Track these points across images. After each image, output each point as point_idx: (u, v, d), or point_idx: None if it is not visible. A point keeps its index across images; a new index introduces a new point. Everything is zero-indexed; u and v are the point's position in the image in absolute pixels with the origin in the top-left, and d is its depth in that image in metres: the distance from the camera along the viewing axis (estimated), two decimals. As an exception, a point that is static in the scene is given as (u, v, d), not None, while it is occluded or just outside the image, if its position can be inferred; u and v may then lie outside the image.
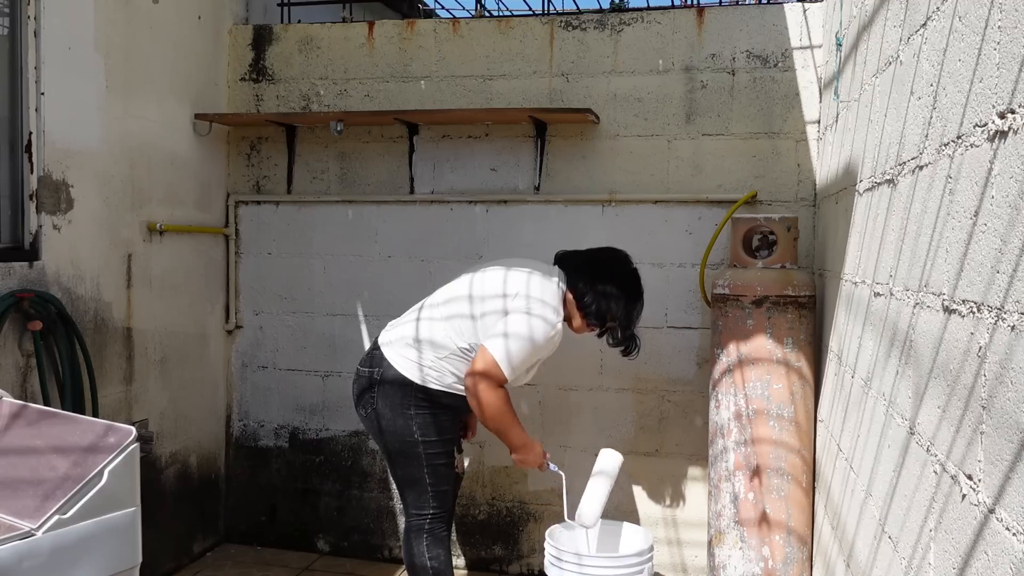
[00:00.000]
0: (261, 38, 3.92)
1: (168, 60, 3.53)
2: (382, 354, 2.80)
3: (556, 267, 2.91)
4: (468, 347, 2.72)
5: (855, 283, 2.34)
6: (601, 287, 2.83)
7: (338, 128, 3.57)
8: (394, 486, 3.82)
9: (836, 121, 2.91)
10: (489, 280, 2.81)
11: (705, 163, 3.50)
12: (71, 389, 2.91)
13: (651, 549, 3.15)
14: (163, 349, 3.55)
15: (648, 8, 3.61)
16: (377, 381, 2.78)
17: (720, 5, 3.92)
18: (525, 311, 2.67)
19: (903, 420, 1.71)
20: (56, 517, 1.76)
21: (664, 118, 3.52)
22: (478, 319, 2.73)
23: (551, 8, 4.02)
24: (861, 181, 2.33)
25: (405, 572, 2.97)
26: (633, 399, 3.59)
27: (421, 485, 2.79)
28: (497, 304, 2.71)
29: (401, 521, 3.83)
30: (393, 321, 2.96)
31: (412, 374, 2.73)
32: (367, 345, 3.81)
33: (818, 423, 2.95)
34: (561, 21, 3.62)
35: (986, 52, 1.28)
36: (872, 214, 2.14)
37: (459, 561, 3.79)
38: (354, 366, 3.78)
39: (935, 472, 1.46)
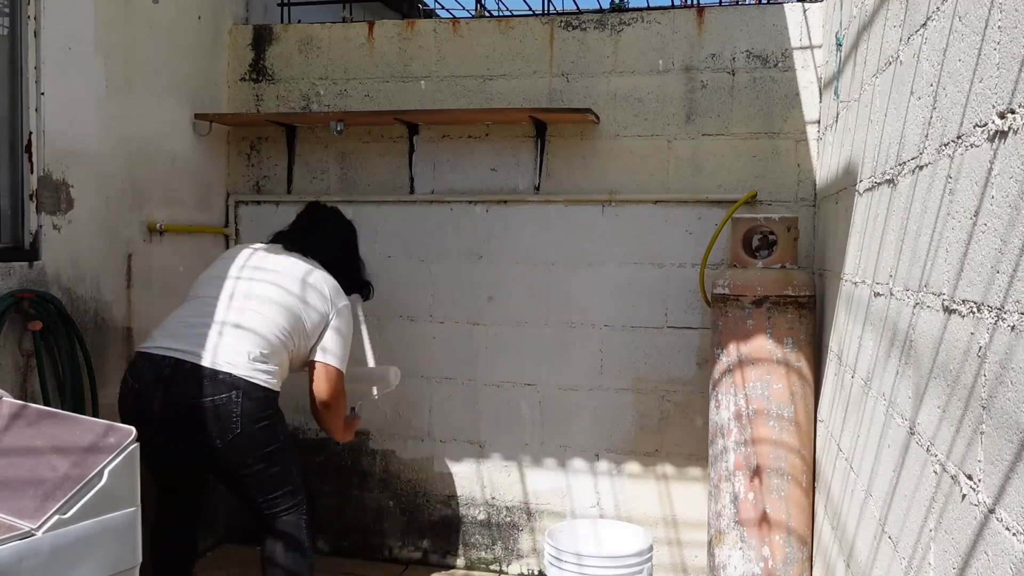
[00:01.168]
0: (261, 38, 3.92)
1: (168, 60, 3.53)
2: (231, 375, 2.59)
3: (305, 257, 2.95)
4: (295, 346, 2.81)
5: (855, 283, 2.34)
6: (350, 256, 3.13)
7: (338, 128, 3.57)
8: (396, 489, 3.83)
9: (836, 121, 2.91)
10: (290, 284, 2.83)
11: (705, 163, 3.50)
12: (71, 389, 2.91)
13: (651, 549, 3.15)
14: (163, 349, 3.54)
15: (648, 8, 3.61)
16: (237, 404, 2.58)
17: (720, 5, 3.92)
18: (339, 317, 2.89)
19: (903, 420, 1.71)
20: (56, 517, 1.76)
21: (664, 118, 3.52)
22: (302, 332, 2.81)
23: (551, 8, 4.02)
24: (861, 181, 2.33)
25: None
26: (633, 399, 3.59)
27: (292, 480, 2.77)
28: (315, 315, 2.84)
29: (402, 521, 3.84)
30: (179, 335, 2.67)
31: (272, 384, 2.70)
32: (367, 345, 3.82)
33: (818, 423, 2.96)
34: (561, 21, 3.62)
35: (986, 52, 1.28)
36: (872, 214, 2.14)
37: (459, 561, 3.79)
38: (354, 366, 3.83)
39: (935, 472, 1.46)
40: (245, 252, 2.94)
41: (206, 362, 2.60)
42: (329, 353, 2.87)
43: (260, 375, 2.65)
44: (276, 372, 2.72)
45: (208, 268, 2.96)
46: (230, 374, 2.59)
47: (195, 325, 2.71)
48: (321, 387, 2.86)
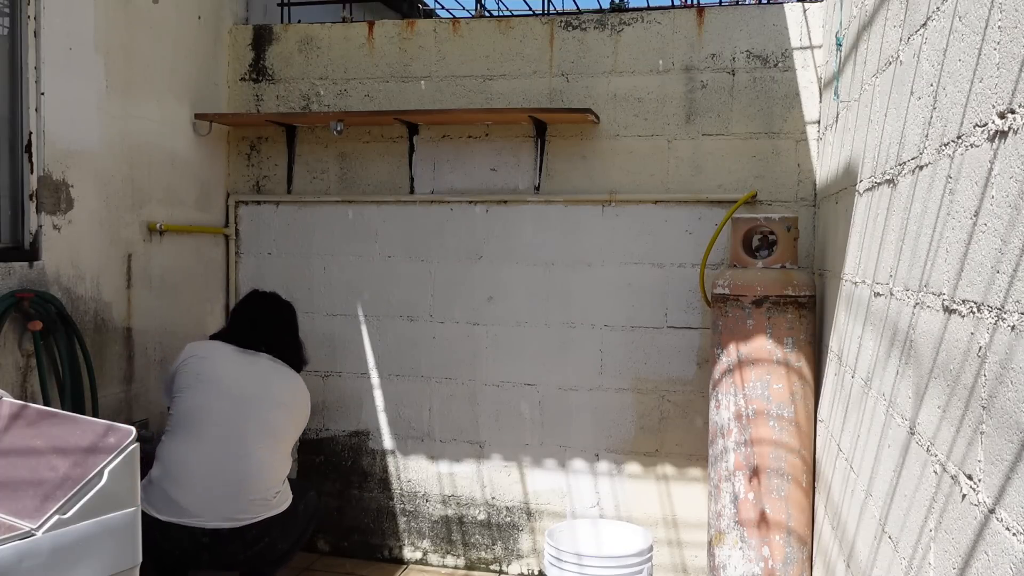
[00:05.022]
0: (261, 38, 3.92)
1: (168, 60, 3.53)
2: (267, 520, 2.89)
3: (267, 355, 3.14)
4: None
5: (855, 283, 2.34)
6: (296, 342, 3.30)
7: (338, 128, 3.57)
8: (396, 489, 3.83)
9: (836, 121, 2.91)
10: (284, 407, 3.10)
11: (705, 163, 3.50)
12: (71, 389, 2.91)
13: (651, 549, 3.15)
14: (163, 349, 3.54)
15: (648, 8, 3.61)
16: (279, 535, 2.96)
17: (720, 5, 3.92)
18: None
19: (903, 420, 1.71)
20: (56, 517, 1.76)
21: (664, 118, 3.52)
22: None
23: (551, 8, 4.02)
24: (861, 181, 2.33)
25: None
26: (633, 399, 3.59)
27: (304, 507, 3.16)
28: (303, 422, 3.21)
29: (402, 521, 3.84)
30: (200, 496, 2.82)
31: (289, 497, 3.04)
32: (367, 345, 3.82)
33: (818, 423, 2.96)
34: (561, 21, 3.62)
35: (986, 52, 1.28)
36: (872, 214, 2.14)
37: (459, 561, 3.79)
38: (354, 366, 3.84)
39: (935, 472, 1.46)
40: (230, 371, 3.03)
41: (242, 521, 2.83)
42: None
43: (284, 502, 2.98)
44: (287, 481, 3.06)
45: (197, 391, 2.98)
46: (263, 522, 2.87)
47: (212, 482, 2.84)
48: None
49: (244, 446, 2.88)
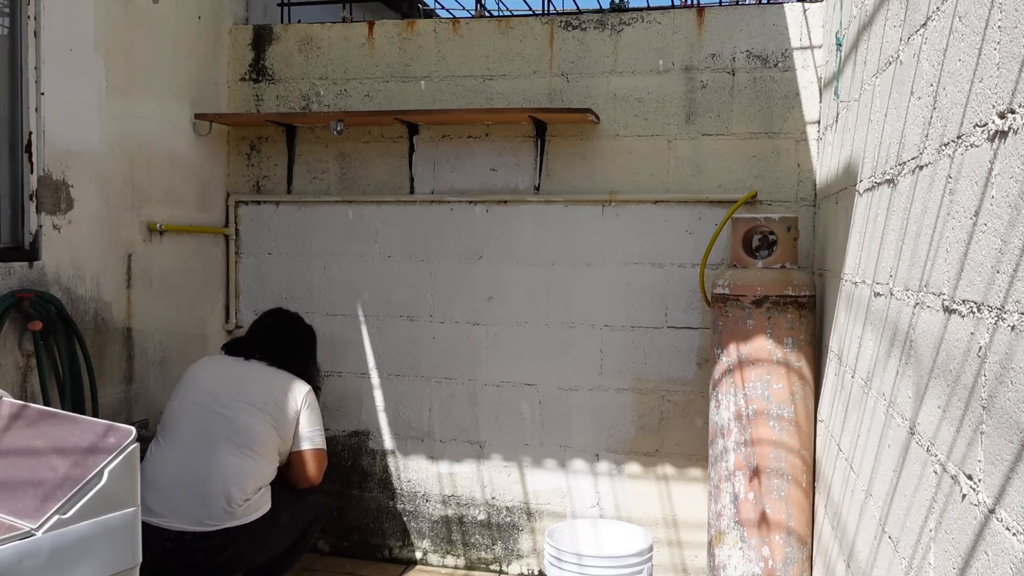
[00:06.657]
0: (261, 38, 3.92)
1: (168, 60, 3.53)
2: (231, 530, 2.81)
3: (268, 362, 3.10)
4: (280, 455, 3.02)
5: (855, 283, 2.34)
6: (310, 358, 3.30)
7: (338, 128, 3.57)
8: (396, 489, 3.83)
9: (836, 121, 2.91)
10: (260, 403, 2.98)
11: (705, 163, 3.50)
12: (71, 389, 2.91)
13: (651, 549, 3.15)
14: (163, 349, 3.55)
15: (648, 8, 3.61)
16: (244, 545, 2.86)
17: (720, 5, 3.92)
18: (309, 407, 3.08)
19: (903, 420, 1.71)
20: (56, 517, 1.76)
21: (664, 118, 3.52)
22: (281, 441, 3.00)
23: (551, 8, 4.02)
24: (861, 181, 2.33)
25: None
26: (633, 399, 3.59)
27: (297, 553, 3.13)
28: (287, 418, 3.02)
29: (402, 521, 3.84)
30: (169, 498, 2.79)
31: (265, 505, 2.93)
32: (367, 345, 3.82)
33: (818, 423, 2.96)
34: (561, 21, 3.62)
35: (986, 52, 1.28)
36: (872, 214, 2.14)
37: (459, 561, 3.79)
38: (354, 366, 3.84)
39: (935, 472, 1.46)
40: (207, 374, 3.05)
41: (206, 526, 2.78)
42: (307, 439, 3.07)
43: (254, 512, 2.87)
44: (267, 491, 2.94)
45: (177, 395, 3.03)
46: (229, 530, 2.80)
47: (178, 484, 2.82)
48: (312, 471, 3.07)
49: (210, 448, 2.85)
